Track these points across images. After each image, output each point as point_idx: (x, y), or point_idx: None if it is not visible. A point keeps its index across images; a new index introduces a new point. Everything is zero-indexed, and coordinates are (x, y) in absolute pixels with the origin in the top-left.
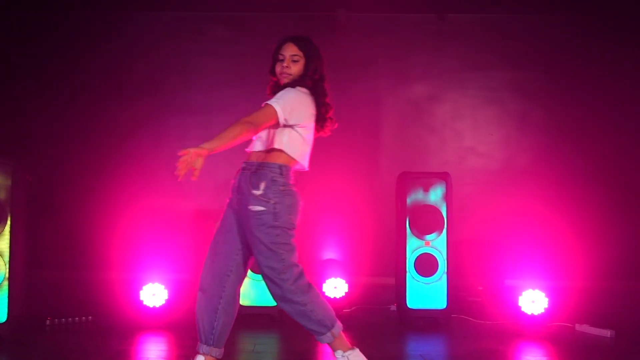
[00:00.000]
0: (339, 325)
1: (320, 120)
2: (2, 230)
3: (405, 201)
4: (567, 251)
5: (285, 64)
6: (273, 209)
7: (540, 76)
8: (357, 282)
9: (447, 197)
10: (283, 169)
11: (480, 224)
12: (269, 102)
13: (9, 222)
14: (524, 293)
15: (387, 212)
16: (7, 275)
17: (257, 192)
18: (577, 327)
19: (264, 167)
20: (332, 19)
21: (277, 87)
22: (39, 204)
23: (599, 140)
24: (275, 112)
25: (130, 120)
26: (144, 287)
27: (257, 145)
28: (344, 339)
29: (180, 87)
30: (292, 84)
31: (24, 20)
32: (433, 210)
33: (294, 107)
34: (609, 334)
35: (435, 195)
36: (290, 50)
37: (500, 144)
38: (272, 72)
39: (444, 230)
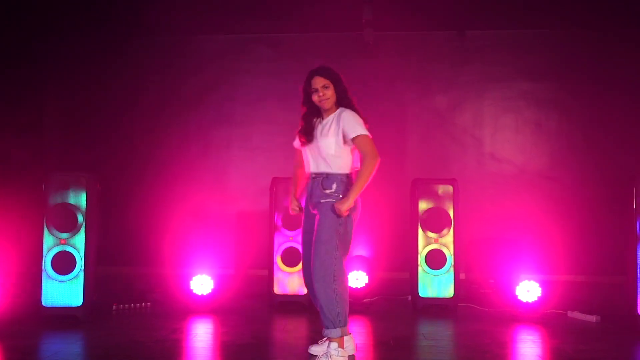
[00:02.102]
0: None
1: None
2: (79, 231)
3: (417, 204)
4: (576, 250)
5: (320, 93)
6: None
7: (553, 87)
8: (379, 276)
9: (455, 200)
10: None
11: (497, 225)
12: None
13: (84, 224)
14: (520, 283)
15: (404, 213)
16: (82, 267)
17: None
18: (569, 313)
19: None
20: (360, 38)
21: (316, 112)
22: (106, 208)
23: (606, 146)
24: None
25: (180, 132)
26: (194, 278)
27: None
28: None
29: (225, 102)
30: (339, 105)
31: (88, 47)
32: (442, 211)
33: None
34: (594, 319)
35: (444, 199)
36: (319, 82)
37: (516, 150)
38: (307, 102)
39: (451, 229)
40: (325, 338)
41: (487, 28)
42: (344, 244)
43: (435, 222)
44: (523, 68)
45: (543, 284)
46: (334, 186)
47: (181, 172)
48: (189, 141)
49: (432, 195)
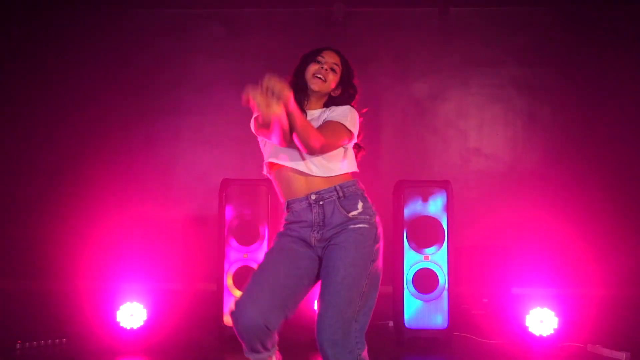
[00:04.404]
0: None
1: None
2: None
3: (403, 212)
4: (575, 258)
5: (324, 70)
6: None
7: (548, 72)
8: None
9: (448, 208)
10: None
11: (484, 230)
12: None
13: None
14: (531, 312)
15: (386, 222)
16: None
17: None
18: (589, 347)
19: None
20: (328, 14)
21: (300, 90)
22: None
23: (608, 140)
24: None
25: (119, 120)
26: (121, 307)
27: None
28: None
29: (172, 87)
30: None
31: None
32: (432, 222)
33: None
34: (624, 357)
35: (435, 206)
36: (332, 58)
37: (506, 145)
38: (298, 73)
39: (445, 244)
40: None
41: (473, 5)
42: (374, 289)
43: (425, 236)
44: (514, 51)
45: (559, 309)
46: (360, 205)
47: (116, 167)
48: (126, 132)
49: (420, 200)
